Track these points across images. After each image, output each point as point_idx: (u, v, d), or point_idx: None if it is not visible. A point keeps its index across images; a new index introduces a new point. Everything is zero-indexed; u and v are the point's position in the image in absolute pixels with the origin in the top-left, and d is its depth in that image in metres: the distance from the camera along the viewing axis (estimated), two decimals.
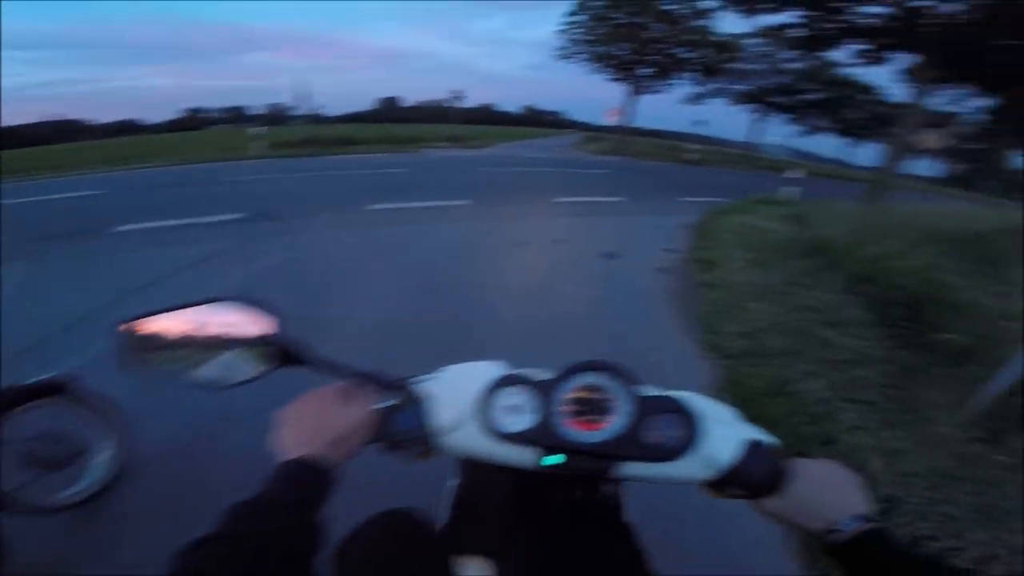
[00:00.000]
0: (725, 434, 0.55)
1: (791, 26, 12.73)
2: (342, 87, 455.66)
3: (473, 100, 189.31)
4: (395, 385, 0.58)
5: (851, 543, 0.49)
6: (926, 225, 8.91)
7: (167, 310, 0.54)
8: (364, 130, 24.94)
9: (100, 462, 1.69)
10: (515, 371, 0.58)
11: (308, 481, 0.48)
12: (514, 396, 0.55)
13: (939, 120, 13.94)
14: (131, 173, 11.55)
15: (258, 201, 7.19)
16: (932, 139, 11.25)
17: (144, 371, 0.54)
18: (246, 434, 1.80)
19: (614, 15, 23.61)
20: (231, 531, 0.43)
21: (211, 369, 0.55)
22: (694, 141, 27.01)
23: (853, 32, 12.22)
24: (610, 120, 26.30)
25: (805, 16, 12.19)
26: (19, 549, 1.40)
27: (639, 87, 25.68)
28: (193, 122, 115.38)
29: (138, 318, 0.54)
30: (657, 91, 26.42)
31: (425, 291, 3.91)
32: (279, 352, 0.55)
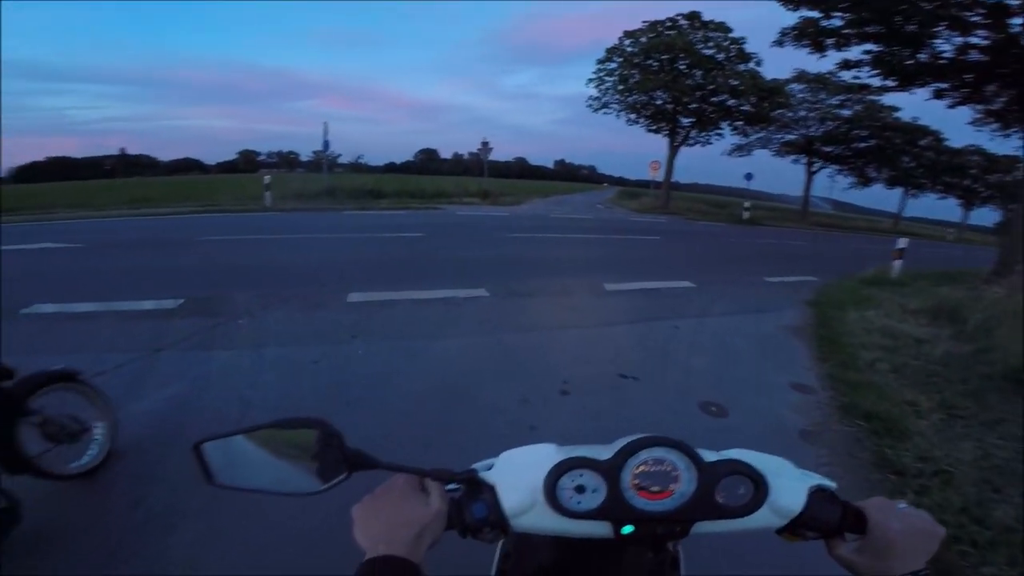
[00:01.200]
0: (790, 485, 0.58)
1: (859, 64, 10.84)
2: (383, 137, 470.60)
3: (506, 153, 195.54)
4: (463, 476, 0.59)
5: None
6: None
7: (240, 431, 0.56)
8: (391, 182, 23.97)
9: (99, 440, 2.12)
10: (574, 453, 0.59)
11: None
12: (579, 478, 0.57)
13: None
14: (126, 221, 10.44)
15: (211, 280, 5.59)
16: None
17: (222, 483, 0.56)
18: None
19: (648, 61, 22.31)
20: None
21: (287, 482, 0.56)
22: (739, 196, 25.01)
23: (933, 69, 10.20)
24: (652, 173, 24.71)
25: (878, 51, 10.30)
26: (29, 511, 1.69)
27: (679, 138, 24.13)
28: (248, 164, 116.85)
29: (214, 437, 0.56)
30: (699, 142, 24.80)
31: None
32: (348, 460, 0.55)
